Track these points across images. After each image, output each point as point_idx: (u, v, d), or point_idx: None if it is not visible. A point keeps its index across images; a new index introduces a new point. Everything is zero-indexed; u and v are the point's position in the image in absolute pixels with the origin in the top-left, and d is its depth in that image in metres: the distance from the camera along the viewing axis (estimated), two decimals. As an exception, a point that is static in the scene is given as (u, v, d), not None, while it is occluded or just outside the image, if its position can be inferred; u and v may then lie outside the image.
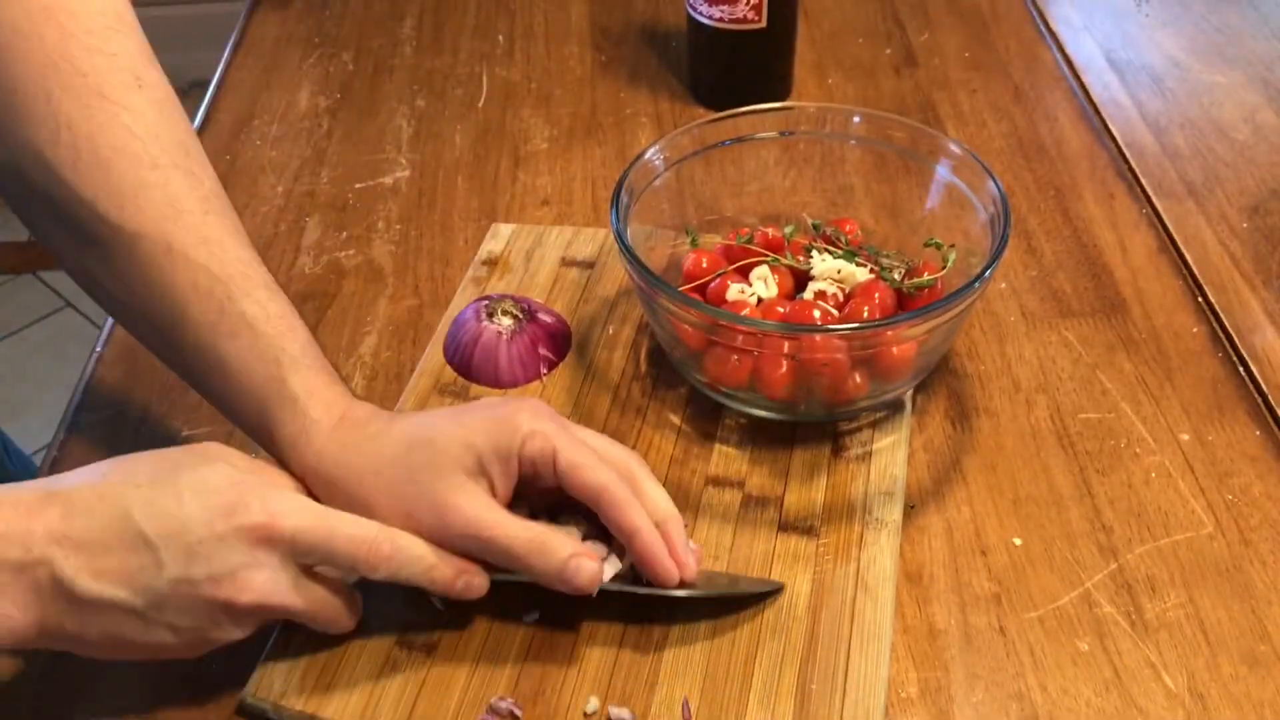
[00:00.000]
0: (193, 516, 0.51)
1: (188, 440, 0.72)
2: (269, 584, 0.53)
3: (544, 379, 0.75)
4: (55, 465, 0.71)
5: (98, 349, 0.79)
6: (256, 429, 0.60)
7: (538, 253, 0.84)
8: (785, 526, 0.65)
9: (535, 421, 0.57)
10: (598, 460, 0.58)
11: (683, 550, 0.59)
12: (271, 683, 0.58)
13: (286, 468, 0.60)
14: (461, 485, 0.56)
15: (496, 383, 0.74)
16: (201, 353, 0.59)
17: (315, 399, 0.59)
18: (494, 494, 0.57)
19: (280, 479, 0.58)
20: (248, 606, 0.53)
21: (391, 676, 0.59)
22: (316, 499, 0.58)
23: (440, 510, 0.56)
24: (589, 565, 0.56)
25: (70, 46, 0.58)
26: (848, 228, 0.76)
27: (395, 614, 0.61)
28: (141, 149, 0.59)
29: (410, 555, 0.55)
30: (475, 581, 0.57)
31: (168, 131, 0.61)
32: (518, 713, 0.57)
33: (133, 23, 0.63)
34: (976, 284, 0.65)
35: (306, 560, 0.54)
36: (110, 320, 0.81)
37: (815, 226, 0.77)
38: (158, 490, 0.52)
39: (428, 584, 0.56)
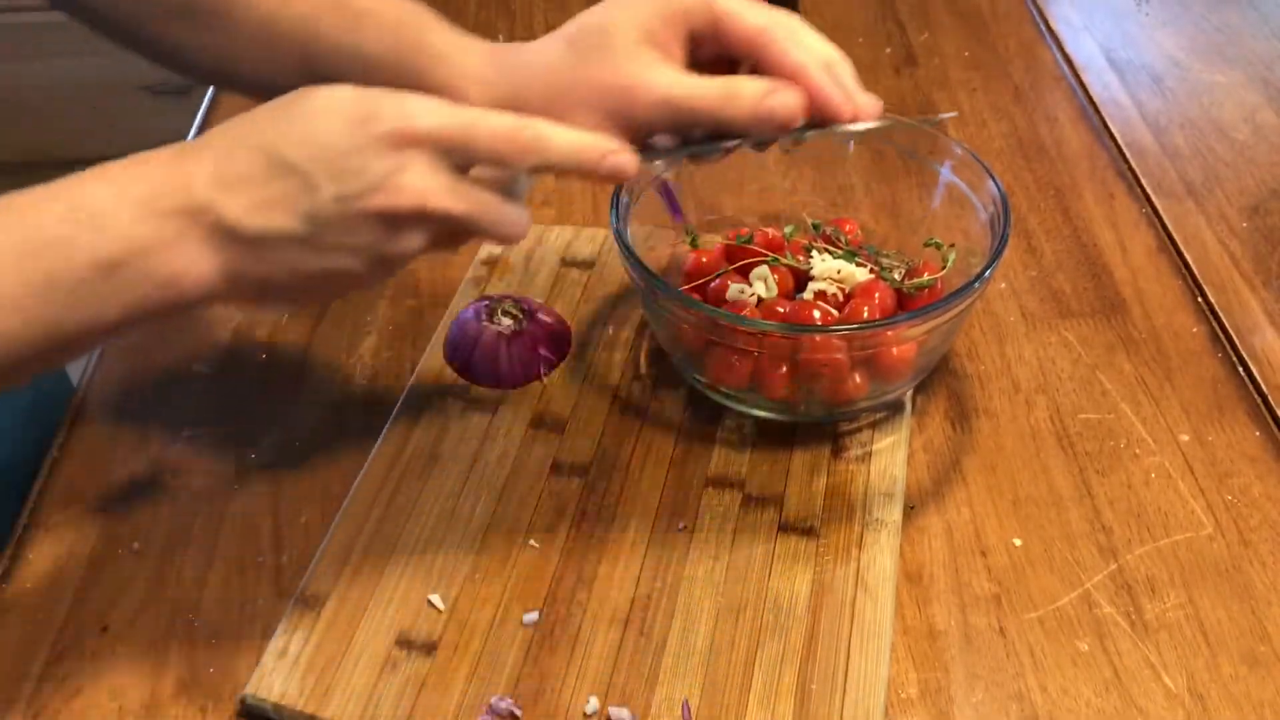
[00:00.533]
0: (330, 133, 0.51)
1: (191, 439, 0.72)
2: (422, 185, 0.52)
3: (544, 379, 0.75)
4: (55, 466, 0.71)
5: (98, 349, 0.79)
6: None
7: (538, 253, 0.84)
8: (785, 527, 0.65)
9: None
10: (755, 4, 0.58)
11: (856, 89, 0.59)
12: (272, 683, 0.59)
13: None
14: (643, 58, 0.57)
15: (496, 383, 0.74)
16: (337, 57, 0.62)
17: (457, 48, 0.62)
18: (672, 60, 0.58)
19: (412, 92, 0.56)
20: (409, 212, 0.52)
21: (391, 676, 0.59)
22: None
23: (626, 89, 0.57)
24: (786, 95, 0.56)
25: None
26: (848, 228, 0.76)
27: (395, 614, 0.62)
28: None
29: (554, 138, 0.54)
30: (623, 160, 0.55)
31: None
32: (517, 712, 0.57)
33: None
34: (976, 284, 0.65)
35: (453, 159, 0.53)
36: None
37: (815, 226, 0.77)
38: (291, 117, 0.52)
39: (575, 166, 0.55)
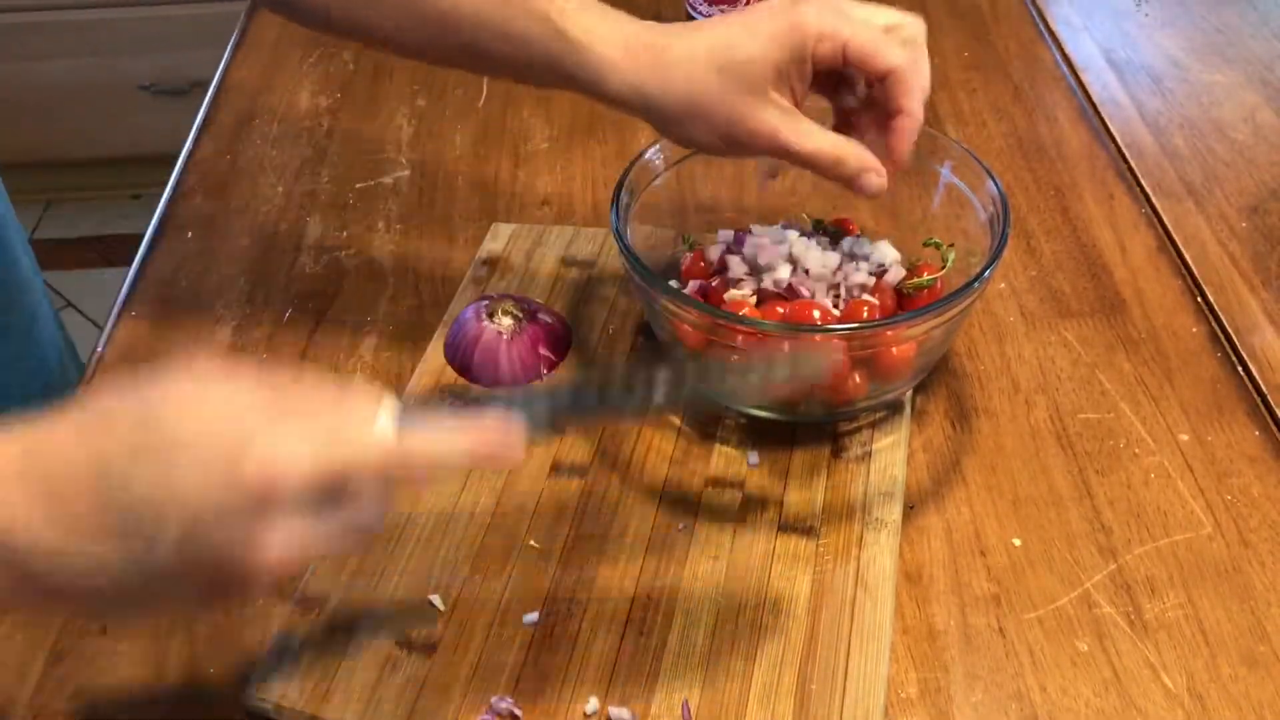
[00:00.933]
0: (183, 485, 0.43)
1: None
2: (279, 550, 0.45)
3: (544, 379, 0.75)
4: (56, 465, 0.71)
5: (98, 349, 0.79)
6: (558, 83, 0.65)
7: (538, 252, 0.84)
8: (785, 527, 0.65)
9: (821, 20, 0.61)
10: (886, 41, 0.62)
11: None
12: (273, 684, 0.59)
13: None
14: (767, 100, 0.62)
15: (496, 383, 0.74)
16: (483, 32, 0.64)
17: (595, 36, 0.63)
18: (795, 100, 0.63)
19: (290, 398, 0.48)
20: (272, 567, 0.45)
21: (392, 677, 0.59)
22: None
23: (753, 131, 0.62)
24: (878, 180, 0.63)
25: None
26: (850, 226, 0.76)
27: (396, 614, 0.62)
28: None
29: (446, 447, 0.48)
30: (516, 454, 0.49)
31: None
32: (517, 713, 0.57)
33: None
34: (976, 284, 0.65)
35: (326, 498, 0.46)
36: (110, 320, 0.81)
37: (816, 224, 0.77)
38: (138, 458, 0.44)
39: (472, 465, 0.53)
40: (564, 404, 0.53)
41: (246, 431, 0.45)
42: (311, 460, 0.45)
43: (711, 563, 0.64)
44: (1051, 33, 1.10)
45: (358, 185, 0.94)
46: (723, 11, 0.93)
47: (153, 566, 0.44)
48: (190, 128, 1.00)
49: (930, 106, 0.99)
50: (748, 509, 0.67)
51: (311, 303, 0.82)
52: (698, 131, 0.63)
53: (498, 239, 0.86)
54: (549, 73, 0.64)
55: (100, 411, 0.46)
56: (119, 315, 0.82)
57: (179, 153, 0.98)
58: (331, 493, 0.46)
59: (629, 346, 0.77)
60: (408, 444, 0.47)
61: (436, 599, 0.62)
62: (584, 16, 0.63)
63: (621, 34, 0.63)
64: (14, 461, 0.44)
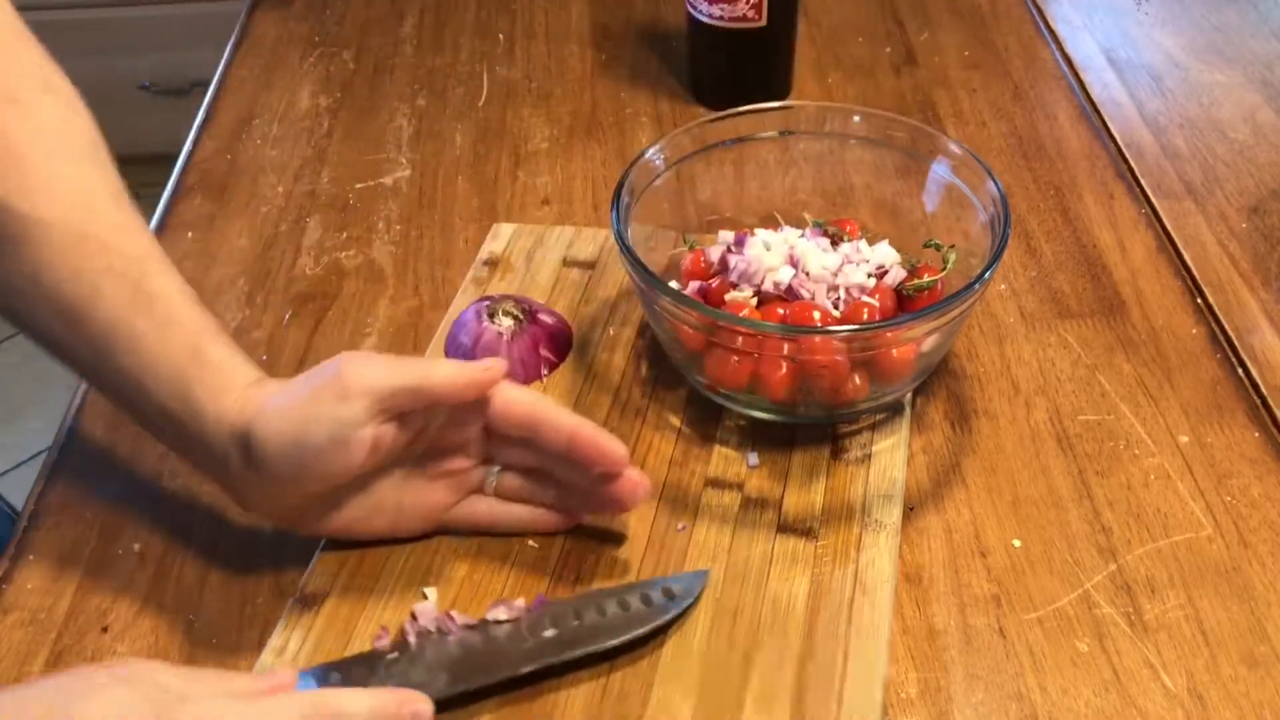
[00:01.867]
0: None
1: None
2: None
3: (545, 380, 0.75)
4: (54, 468, 0.71)
5: (98, 349, 0.79)
6: (170, 398, 0.59)
7: (539, 253, 0.84)
8: (784, 528, 0.65)
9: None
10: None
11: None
12: None
13: (205, 434, 0.58)
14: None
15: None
16: (113, 332, 0.58)
17: (236, 363, 0.60)
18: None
19: (200, 683, 0.51)
20: None
21: (388, 675, 0.59)
22: (249, 452, 0.57)
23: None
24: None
25: None
26: (849, 228, 0.76)
27: (393, 613, 0.62)
28: (56, 145, 0.60)
29: (345, 712, 0.51)
30: (420, 709, 0.53)
31: (80, 130, 0.62)
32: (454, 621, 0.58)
33: (30, 35, 0.65)
34: (977, 285, 0.65)
35: None
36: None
37: (817, 224, 0.77)
38: None
39: None
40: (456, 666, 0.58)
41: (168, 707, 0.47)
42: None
43: (710, 563, 0.64)
44: (1051, 32, 1.10)
45: (358, 185, 0.94)
46: (722, 11, 0.93)
47: None
48: (190, 128, 1.00)
49: (930, 106, 1.00)
50: (747, 510, 0.67)
51: (311, 303, 0.82)
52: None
53: (499, 239, 0.86)
54: (166, 387, 0.58)
55: (16, 699, 0.48)
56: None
57: (179, 153, 0.98)
58: None
59: (629, 347, 0.77)
60: (317, 701, 0.51)
61: (434, 597, 0.62)
62: (228, 348, 0.60)
63: (257, 373, 0.60)
64: None
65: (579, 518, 0.65)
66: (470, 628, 0.60)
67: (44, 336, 0.61)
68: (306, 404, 0.57)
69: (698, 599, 0.61)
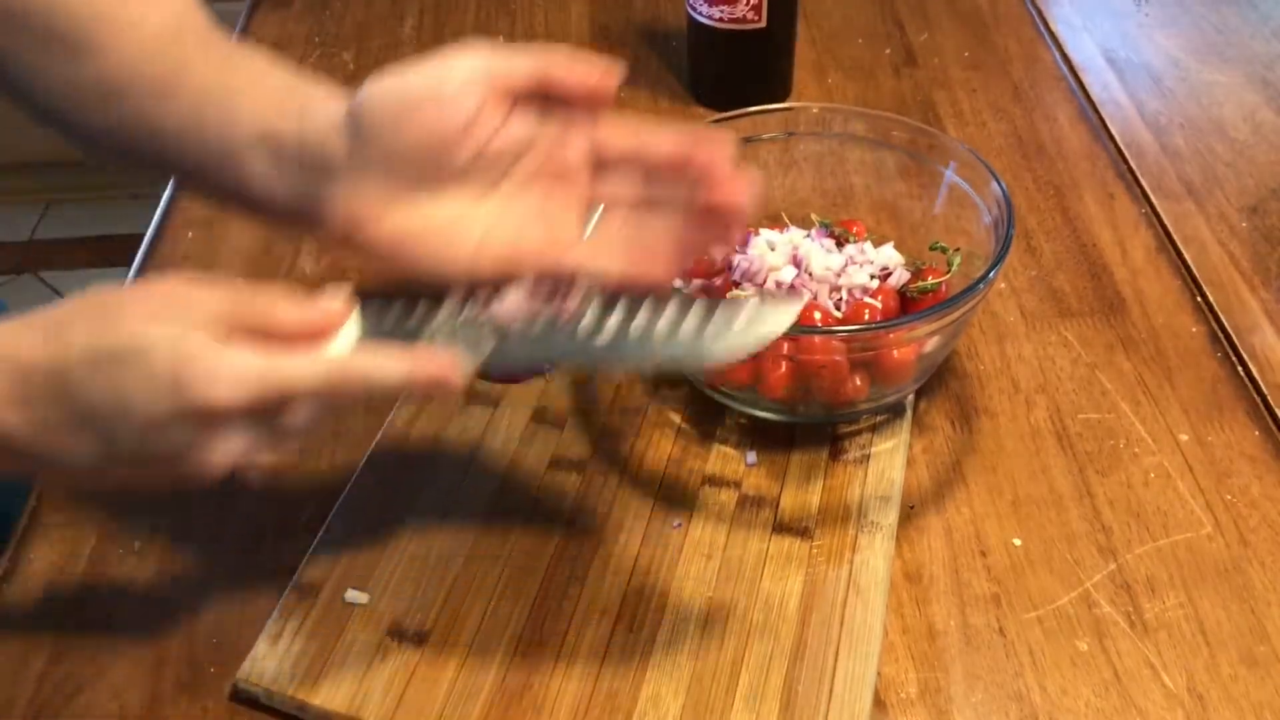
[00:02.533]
0: (136, 399, 0.48)
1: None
2: (234, 455, 0.50)
3: (548, 375, 0.75)
4: (56, 465, 0.71)
5: (98, 349, 0.79)
6: (274, 114, 0.57)
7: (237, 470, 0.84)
8: (780, 528, 0.65)
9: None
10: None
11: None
12: (264, 669, 0.59)
13: (306, 136, 0.57)
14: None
15: (499, 377, 0.74)
16: (207, 90, 0.59)
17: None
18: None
19: (248, 313, 0.51)
20: (215, 475, 0.50)
21: (381, 666, 0.59)
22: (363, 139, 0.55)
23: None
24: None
25: None
26: (854, 229, 0.76)
27: (389, 604, 0.62)
28: None
29: (379, 374, 0.50)
30: (455, 379, 0.51)
31: None
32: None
33: None
34: (980, 286, 0.65)
35: (270, 413, 0.50)
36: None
37: (823, 225, 0.77)
38: (98, 368, 0.48)
39: (409, 395, 0.54)
40: (510, 345, 0.54)
41: (195, 348, 0.48)
42: (254, 382, 0.48)
43: (705, 561, 0.64)
44: (1051, 33, 1.10)
45: (358, 185, 0.94)
46: (722, 12, 0.93)
47: (114, 459, 0.49)
48: (190, 128, 1.00)
49: (930, 107, 1.00)
50: (743, 509, 0.67)
51: (311, 303, 0.82)
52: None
53: (498, 239, 0.86)
54: (267, 114, 0.57)
55: (63, 318, 0.50)
56: (119, 315, 0.82)
57: (179, 153, 0.98)
58: (270, 408, 0.50)
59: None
60: (351, 367, 0.50)
61: (430, 589, 0.62)
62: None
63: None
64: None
65: (673, 267, 0.56)
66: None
67: (129, 132, 0.60)
68: (420, 66, 0.56)
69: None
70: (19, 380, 0.49)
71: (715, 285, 0.72)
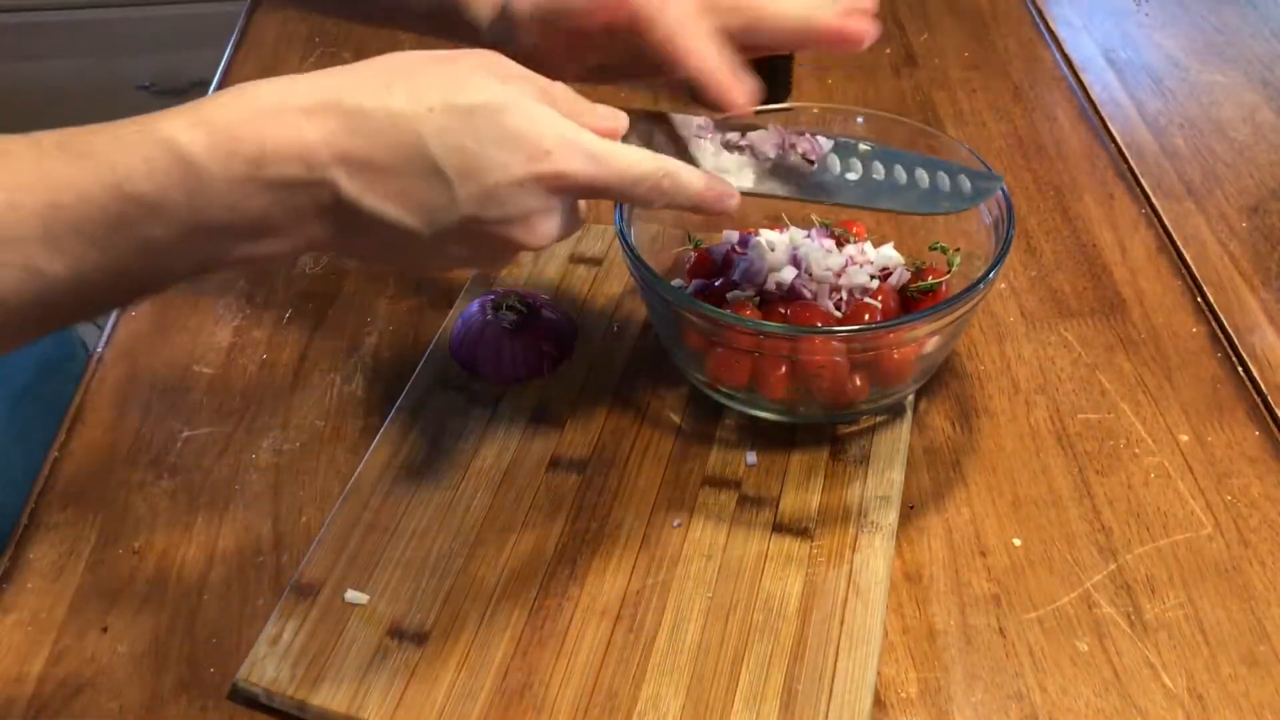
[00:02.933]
0: (491, 158, 0.49)
1: (191, 439, 0.72)
2: (557, 229, 0.53)
3: (547, 375, 0.75)
4: (55, 465, 0.71)
5: (98, 349, 0.79)
6: None
7: (545, 249, 0.84)
8: (780, 528, 0.65)
9: None
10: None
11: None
12: (264, 669, 0.59)
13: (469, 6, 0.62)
14: None
15: (499, 377, 0.74)
16: None
17: None
18: None
19: (564, 101, 0.55)
20: (534, 247, 0.53)
21: (381, 666, 0.59)
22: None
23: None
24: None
25: None
26: (855, 229, 0.76)
27: (388, 603, 0.62)
28: None
29: (688, 186, 0.56)
30: (733, 203, 0.59)
31: None
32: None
33: None
34: (980, 286, 0.65)
35: (595, 198, 0.55)
36: (110, 321, 0.81)
37: (824, 225, 0.76)
38: (454, 121, 0.49)
39: (693, 208, 0.57)
40: (768, 177, 0.62)
41: (549, 117, 0.51)
42: (599, 161, 0.52)
43: (704, 561, 0.64)
44: (1051, 33, 1.10)
45: (358, 185, 0.94)
46: None
47: (443, 228, 0.50)
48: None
49: (930, 107, 1.00)
50: (743, 509, 0.67)
51: (311, 303, 0.82)
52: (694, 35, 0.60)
53: (498, 238, 0.86)
54: None
55: (403, 67, 0.50)
56: (119, 315, 0.82)
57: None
58: (604, 190, 0.53)
59: (632, 344, 0.77)
60: (670, 167, 0.55)
61: (429, 589, 0.62)
62: None
63: None
64: (339, 137, 0.48)
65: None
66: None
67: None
68: None
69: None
70: (357, 128, 0.48)
71: (714, 286, 0.72)
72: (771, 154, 0.63)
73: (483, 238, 0.51)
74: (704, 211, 0.57)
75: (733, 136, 0.64)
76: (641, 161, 0.54)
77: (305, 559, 0.64)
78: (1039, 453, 0.70)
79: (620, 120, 0.56)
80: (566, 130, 0.52)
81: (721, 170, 0.63)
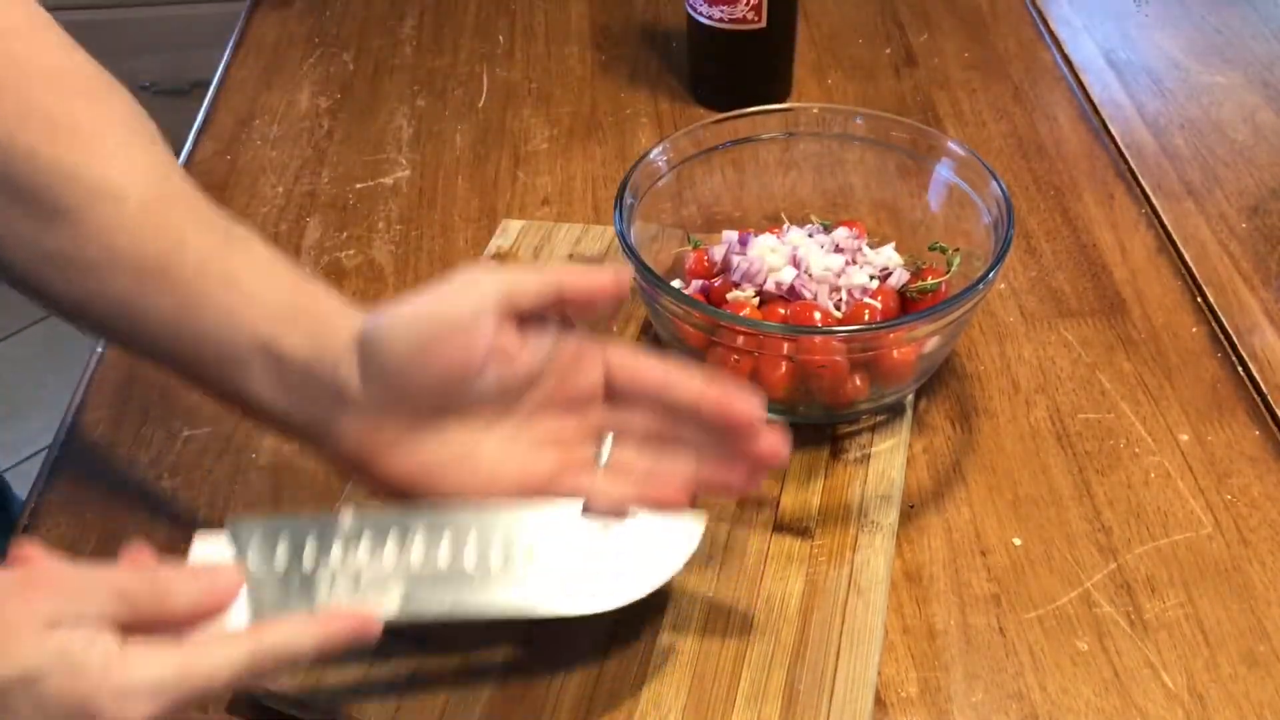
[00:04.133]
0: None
1: (191, 439, 0.72)
2: None
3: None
4: (55, 465, 0.71)
5: (98, 349, 0.79)
6: (277, 322, 0.54)
7: (546, 249, 0.84)
8: (780, 528, 0.65)
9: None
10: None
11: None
12: None
13: (312, 356, 0.54)
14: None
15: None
16: (204, 273, 0.54)
17: (340, 297, 0.57)
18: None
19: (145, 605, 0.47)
20: None
21: (381, 666, 0.59)
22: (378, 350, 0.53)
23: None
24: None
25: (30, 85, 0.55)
26: (855, 229, 0.76)
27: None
28: (126, 130, 0.57)
29: (290, 655, 0.49)
30: (368, 632, 0.51)
31: (146, 123, 0.58)
32: None
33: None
34: (979, 286, 0.65)
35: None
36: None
37: (824, 226, 0.77)
38: None
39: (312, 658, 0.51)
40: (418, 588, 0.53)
41: (97, 666, 0.43)
42: (171, 689, 0.45)
43: (704, 561, 0.64)
44: (1051, 33, 1.10)
45: (358, 185, 0.94)
46: (722, 12, 0.93)
47: None
48: (190, 128, 1.00)
49: (930, 107, 1.00)
50: (743, 509, 0.66)
51: (311, 303, 0.82)
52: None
53: (507, 235, 0.86)
54: (273, 310, 0.54)
55: None
56: (119, 315, 0.82)
57: (179, 153, 0.98)
58: (192, 704, 0.46)
59: (633, 344, 0.77)
60: (264, 648, 0.47)
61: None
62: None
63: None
64: None
65: (686, 500, 0.57)
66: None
67: (109, 310, 0.55)
68: (431, 294, 0.54)
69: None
70: None
71: (714, 286, 0.73)
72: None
73: None
74: (341, 651, 0.50)
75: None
76: (226, 654, 0.46)
77: None
78: (1039, 452, 0.70)
79: (226, 589, 0.49)
80: (127, 676, 0.44)
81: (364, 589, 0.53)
